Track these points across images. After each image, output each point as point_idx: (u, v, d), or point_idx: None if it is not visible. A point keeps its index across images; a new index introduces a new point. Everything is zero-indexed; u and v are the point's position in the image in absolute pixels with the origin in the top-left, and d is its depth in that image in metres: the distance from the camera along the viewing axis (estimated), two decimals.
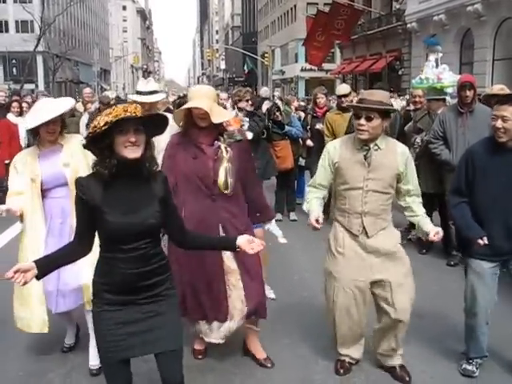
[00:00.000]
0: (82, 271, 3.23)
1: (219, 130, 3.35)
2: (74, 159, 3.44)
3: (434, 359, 3.68)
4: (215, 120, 3.22)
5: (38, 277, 2.27)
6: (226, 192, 3.31)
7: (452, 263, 5.67)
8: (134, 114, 2.20)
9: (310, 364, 3.65)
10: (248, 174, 3.51)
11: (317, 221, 3.19)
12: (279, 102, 9.27)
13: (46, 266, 2.32)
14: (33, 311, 3.43)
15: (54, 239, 3.39)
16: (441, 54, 7.84)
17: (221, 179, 3.28)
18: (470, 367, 3.48)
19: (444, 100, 6.38)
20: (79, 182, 2.33)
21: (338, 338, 3.50)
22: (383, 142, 3.24)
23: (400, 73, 27.96)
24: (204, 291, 3.40)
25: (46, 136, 3.41)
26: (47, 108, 3.39)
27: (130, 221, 2.28)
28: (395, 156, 3.24)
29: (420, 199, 3.38)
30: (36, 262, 2.28)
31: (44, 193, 3.48)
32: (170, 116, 4.85)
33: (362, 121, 3.13)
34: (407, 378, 3.41)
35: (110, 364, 2.41)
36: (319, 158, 8.56)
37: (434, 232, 3.18)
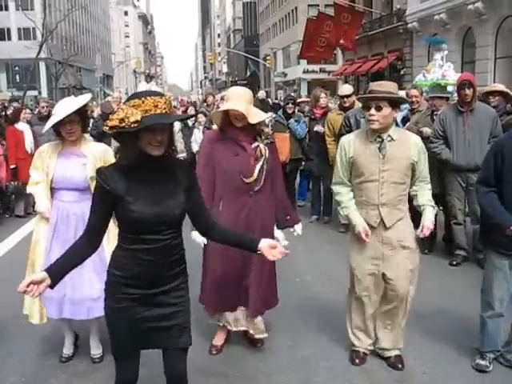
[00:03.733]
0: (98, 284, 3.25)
1: (256, 130, 3.48)
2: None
3: (435, 358, 3.66)
4: (252, 120, 3.35)
5: (52, 286, 2.22)
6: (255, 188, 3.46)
7: (455, 263, 5.65)
8: (164, 111, 2.16)
9: (311, 366, 3.64)
10: (276, 175, 3.66)
11: (366, 235, 3.26)
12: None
13: (58, 273, 2.26)
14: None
15: (57, 244, 3.40)
16: (446, 52, 7.84)
17: (254, 176, 3.42)
18: (483, 362, 3.46)
19: (448, 99, 6.40)
20: (101, 171, 2.27)
21: (352, 328, 3.60)
22: (396, 133, 3.32)
23: (402, 72, 27.92)
24: (233, 285, 3.53)
25: (66, 136, 3.45)
26: (61, 108, 3.42)
27: (155, 211, 2.24)
28: (409, 146, 3.31)
29: (428, 186, 3.44)
30: (47, 270, 2.23)
31: (52, 192, 3.51)
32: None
33: (372, 111, 3.22)
34: (399, 366, 3.50)
35: (124, 357, 2.43)
36: (319, 160, 8.46)
37: (419, 230, 3.30)
